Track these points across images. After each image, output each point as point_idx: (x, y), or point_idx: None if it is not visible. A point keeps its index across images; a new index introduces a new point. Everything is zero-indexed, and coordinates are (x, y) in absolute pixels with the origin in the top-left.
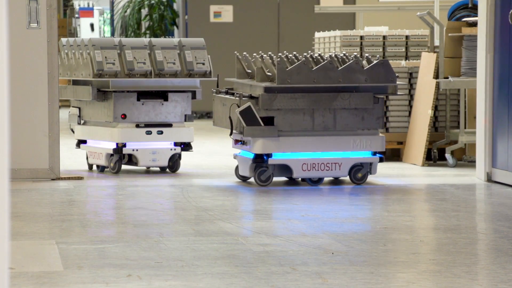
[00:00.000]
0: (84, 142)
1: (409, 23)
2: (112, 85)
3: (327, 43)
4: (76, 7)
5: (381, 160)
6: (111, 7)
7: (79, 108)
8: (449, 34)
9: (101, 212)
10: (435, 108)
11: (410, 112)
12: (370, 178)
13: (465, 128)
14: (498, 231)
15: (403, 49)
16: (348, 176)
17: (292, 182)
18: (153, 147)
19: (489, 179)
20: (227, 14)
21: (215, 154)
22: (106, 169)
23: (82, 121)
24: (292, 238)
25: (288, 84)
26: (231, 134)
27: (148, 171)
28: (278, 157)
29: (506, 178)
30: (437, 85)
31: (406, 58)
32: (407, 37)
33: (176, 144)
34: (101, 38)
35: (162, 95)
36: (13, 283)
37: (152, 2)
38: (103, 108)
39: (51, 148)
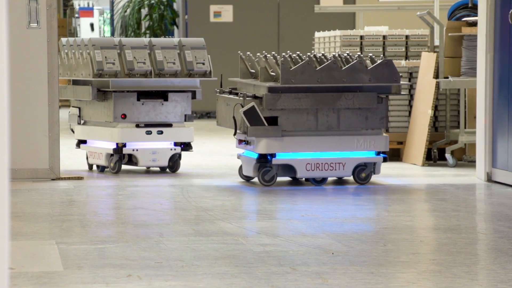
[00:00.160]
0: (84, 142)
1: (409, 23)
2: (112, 85)
3: (327, 43)
4: (76, 7)
5: (384, 160)
6: (111, 7)
7: (79, 108)
8: (449, 34)
9: (101, 212)
10: (435, 108)
11: (410, 112)
12: (373, 178)
13: (465, 128)
14: (498, 231)
15: (403, 49)
16: (351, 176)
17: (296, 182)
18: (153, 147)
19: (489, 179)
20: (227, 14)
21: (215, 154)
22: (106, 169)
23: (82, 121)
24: (292, 238)
25: (292, 84)
26: (235, 134)
27: (148, 171)
28: (282, 157)
29: (506, 178)
30: (437, 85)
31: (406, 58)
32: (407, 37)
33: (176, 144)
34: (101, 38)
35: (162, 95)
36: (13, 283)
37: (152, 2)
38: (103, 108)
39: (51, 148)
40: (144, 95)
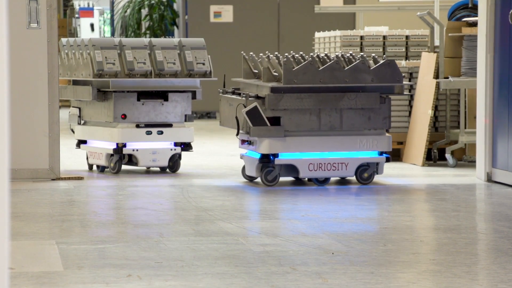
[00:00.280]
0: (84, 142)
1: (409, 23)
2: (112, 85)
3: (327, 43)
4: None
5: (387, 160)
6: (111, 7)
7: (79, 108)
8: (449, 34)
9: (101, 212)
10: (435, 108)
11: (410, 112)
12: (374, 178)
13: (465, 128)
14: (498, 231)
15: (403, 49)
16: (354, 176)
17: (298, 182)
18: (153, 147)
19: (489, 179)
20: (227, 14)
21: (215, 154)
22: (106, 169)
23: (82, 121)
24: (292, 238)
25: (295, 84)
26: (237, 134)
27: (148, 171)
28: (284, 157)
29: (506, 178)
30: (437, 85)
31: (406, 58)
32: (407, 37)
33: (176, 144)
34: (101, 38)
35: (162, 95)
36: (13, 283)
37: (152, 2)
38: (103, 108)
39: (51, 148)
40: (144, 95)
